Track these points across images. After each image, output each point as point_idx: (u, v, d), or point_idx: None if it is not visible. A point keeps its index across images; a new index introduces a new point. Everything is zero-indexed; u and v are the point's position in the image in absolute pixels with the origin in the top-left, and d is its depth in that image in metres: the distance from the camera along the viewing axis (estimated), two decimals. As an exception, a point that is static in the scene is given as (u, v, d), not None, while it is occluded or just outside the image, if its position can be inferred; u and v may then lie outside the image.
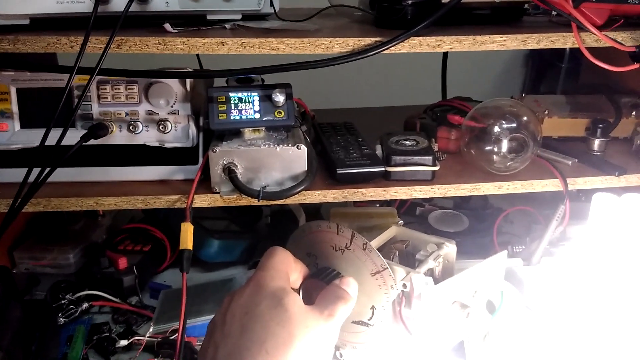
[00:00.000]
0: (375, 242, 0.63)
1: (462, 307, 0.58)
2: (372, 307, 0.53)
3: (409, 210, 1.04)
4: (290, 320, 0.42)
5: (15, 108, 0.67)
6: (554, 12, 0.69)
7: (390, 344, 0.55)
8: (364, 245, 0.51)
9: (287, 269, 0.48)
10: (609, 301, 0.71)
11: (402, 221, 0.68)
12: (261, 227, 1.02)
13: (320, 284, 0.50)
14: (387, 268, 0.51)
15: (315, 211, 1.01)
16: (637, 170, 0.72)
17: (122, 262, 0.87)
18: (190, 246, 0.63)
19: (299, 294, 0.49)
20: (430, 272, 0.59)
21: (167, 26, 0.62)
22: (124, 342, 0.76)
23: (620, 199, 0.72)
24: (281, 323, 0.42)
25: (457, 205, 1.04)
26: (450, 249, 0.61)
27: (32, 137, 0.66)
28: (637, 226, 0.71)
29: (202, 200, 0.66)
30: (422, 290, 0.53)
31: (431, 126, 0.81)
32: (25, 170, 0.60)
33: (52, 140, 0.61)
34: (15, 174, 0.62)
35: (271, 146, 0.64)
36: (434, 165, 0.68)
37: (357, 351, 0.55)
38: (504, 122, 0.69)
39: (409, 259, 0.62)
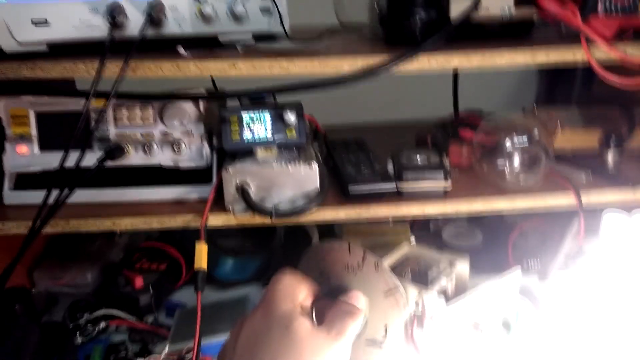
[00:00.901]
0: (388, 261, 0.63)
1: (476, 325, 0.57)
2: (385, 326, 0.53)
3: (422, 225, 1.03)
4: (299, 345, 0.42)
5: (34, 131, 0.69)
6: (563, 25, 0.69)
7: (404, 363, 0.54)
8: (376, 264, 0.51)
9: (295, 292, 0.47)
10: (625, 318, 0.69)
11: (414, 239, 0.68)
12: (275, 245, 1.02)
13: (331, 302, 0.50)
14: (399, 287, 0.51)
15: (329, 227, 1.01)
16: (652, 182, 0.71)
17: (139, 281, 0.88)
18: (204, 265, 0.64)
19: (312, 315, 0.49)
20: (443, 290, 0.59)
21: (181, 50, 0.64)
22: (140, 361, 0.76)
23: (630, 217, 0.71)
24: (290, 349, 0.42)
25: (471, 219, 1.04)
26: (462, 266, 0.61)
27: (51, 160, 0.67)
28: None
29: (216, 220, 0.67)
30: (435, 310, 0.53)
31: (443, 141, 0.81)
32: (44, 192, 0.62)
33: (70, 162, 0.63)
34: (35, 196, 0.64)
35: (283, 165, 0.65)
36: (446, 180, 0.68)
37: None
38: (515, 137, 0.69)
39: (422, 277, 0.61)
